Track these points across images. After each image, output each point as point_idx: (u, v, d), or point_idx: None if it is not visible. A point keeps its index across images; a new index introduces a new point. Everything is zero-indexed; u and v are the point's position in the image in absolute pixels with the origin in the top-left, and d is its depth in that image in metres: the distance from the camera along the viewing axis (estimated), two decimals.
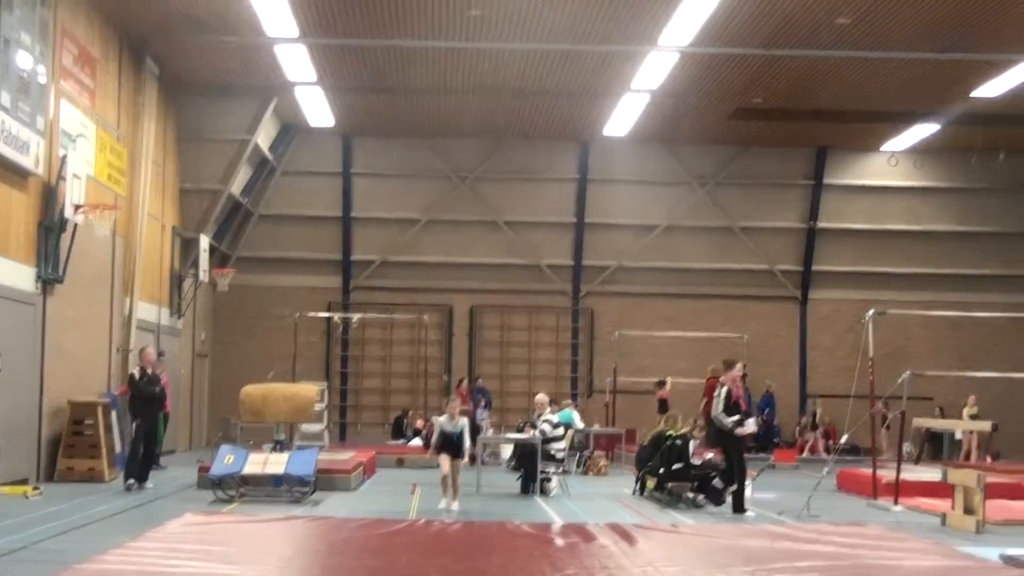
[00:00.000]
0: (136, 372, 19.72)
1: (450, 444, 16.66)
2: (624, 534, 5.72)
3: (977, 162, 30.57)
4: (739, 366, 17.48)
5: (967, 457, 27.53)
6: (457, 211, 33.48)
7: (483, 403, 28.44)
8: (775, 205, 34.12)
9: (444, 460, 16.53)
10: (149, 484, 18.95)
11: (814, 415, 32.25)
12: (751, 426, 16.84)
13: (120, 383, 23.16)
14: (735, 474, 16.56)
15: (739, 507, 16.32)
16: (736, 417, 16.54)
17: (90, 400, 20.98)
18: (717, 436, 17.04)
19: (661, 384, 29.29)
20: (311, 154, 33.01)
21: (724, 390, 16.74)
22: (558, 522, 6.19)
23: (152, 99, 25.36)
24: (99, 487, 18.75)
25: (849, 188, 34.24)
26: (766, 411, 31.51)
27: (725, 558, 5.34)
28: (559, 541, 5.59)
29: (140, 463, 19.12)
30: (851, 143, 33.18)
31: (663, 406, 26.98)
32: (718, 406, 16.62)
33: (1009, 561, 10.00)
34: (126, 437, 22.83)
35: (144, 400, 19.44)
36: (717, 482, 16.95)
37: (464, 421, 16.82)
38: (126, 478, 18.97)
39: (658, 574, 4.70)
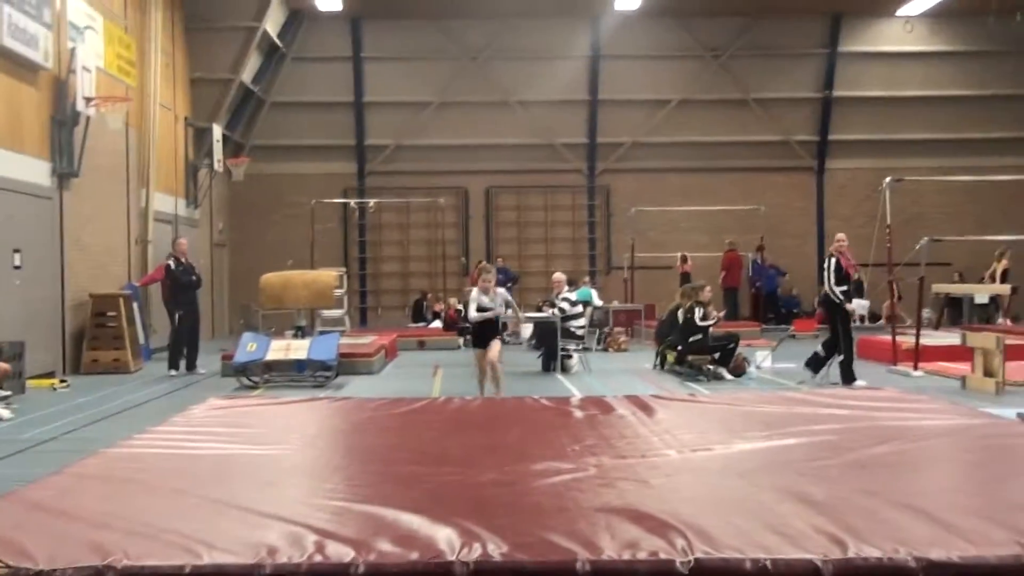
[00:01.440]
0: (171, 262, 19.97)
1: (486, 328, 13.97)
2: (642, 404, 5.81)
3: (994, 24, 30.12)
4: (842, 235, 17.05)
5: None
6: (469, 92, 33.25)
7: (507, 284, 28.55)
8: (790, 75, 33.79)
9: (480, 354, 14.04)
10: (202, 370, 19.33)
11: None
12: (860, 308, 16.57)
13: (140, 275, 23.33)
14: (842, 345, 16.47)
15: (848, 378, 16.15)
16: (844, 287, 16.42)
17: (112, 292, 21.14)
18: (825, 305, 16.94)
19: (684, 260, 29.39)
20: (321, 39, 32.74)
21: (833, 261, 16.51)
22: (577, 395, 6.28)
23: None
24: (125, 378, 18.98)
25: (864, 55, 33.86)
26: (757, 281, 31.51)
27: (742, 423, 5.42)
28: (578, 413, 5.69)
29: (188, 350, 19.54)
30: (865, 9, 32.74)
31: (686, 280, 27.04)
32: (829, 278, 16.44)
33: None
34: (148, 328, 23.11)
35: (183, 288, 19.76)
36: (820, 351, 16.79)
37: (503, 293, 14.02)
38: (170, 366, 19.34)
39: (675, 440, 4.79)
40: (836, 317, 16.58)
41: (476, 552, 2.99)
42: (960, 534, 3.06)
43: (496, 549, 3.02)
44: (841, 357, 16.42)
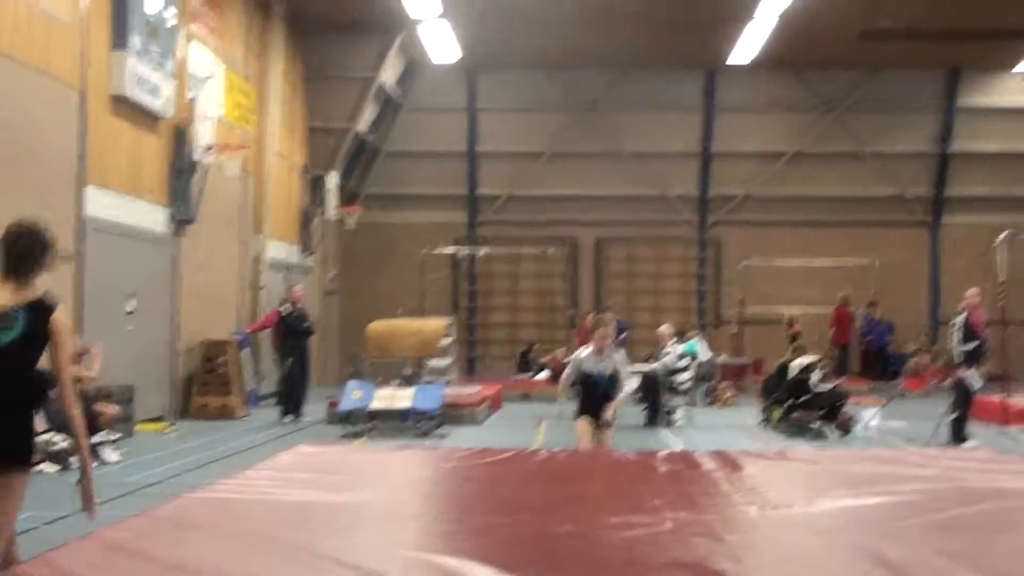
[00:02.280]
0: (284, 309, 20.32)
1: (595, 396, 10.94)
2: (729, 461, 5.77)
3: None
4: (975, 290, 16.50)
5: None
6: (582, 143, 33.36)
7: (619, 335, 28.22)
8: (905, 129, 33.40)
9: (584, 429, 10.96)
10: (306, 416, 19.62)
11: None
12: (975, 380, 16.09)
13: (250, 322, 23.68)
14: (955, 401, 16.18)
15: (958, 437, 15.84)
16: (971, 345, 15.99)
17: (222, 338, 21.50)
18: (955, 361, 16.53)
19: (791, 324, 29.02)
20: (436, 90, 33.11)
21: (962, 317, 16.14)
22: (665, 451, 6.26)
23: (279, 38, 25.75)
24: (232, 423, 19.28)
25: (982, 110, 33.35)
26: (868, 336, 30.98)
27: (827, 481, 5.37)
28: (663, 468, 5.66)
29: (295, 396, 19.85)
30: (984, 63, 32.25)
31: (795, 340, 26.70)
32: (957, 335, 16.09)
33: None
34: (258, 375, 23.46)
35: (294, 335, 20.10)
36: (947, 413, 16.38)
37: (620, 357, 11.20)
38: (283, 414, 19.66)
39: (758, 497, 4.75)
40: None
41: None
42: None
43: None
44: (954, 415, 16.10)
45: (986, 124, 33.34)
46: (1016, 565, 3.36)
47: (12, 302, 5.56)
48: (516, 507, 4.61)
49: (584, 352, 11.19)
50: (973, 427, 17.14)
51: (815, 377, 18.03)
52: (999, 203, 32.88)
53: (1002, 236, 18.42)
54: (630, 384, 11.37)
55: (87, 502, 5.29)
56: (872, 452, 6.75)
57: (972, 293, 16.45)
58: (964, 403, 16.10)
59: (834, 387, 18.60)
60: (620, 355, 11.31)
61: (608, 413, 10.83)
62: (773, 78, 32.63)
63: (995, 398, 19.35)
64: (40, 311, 5.60)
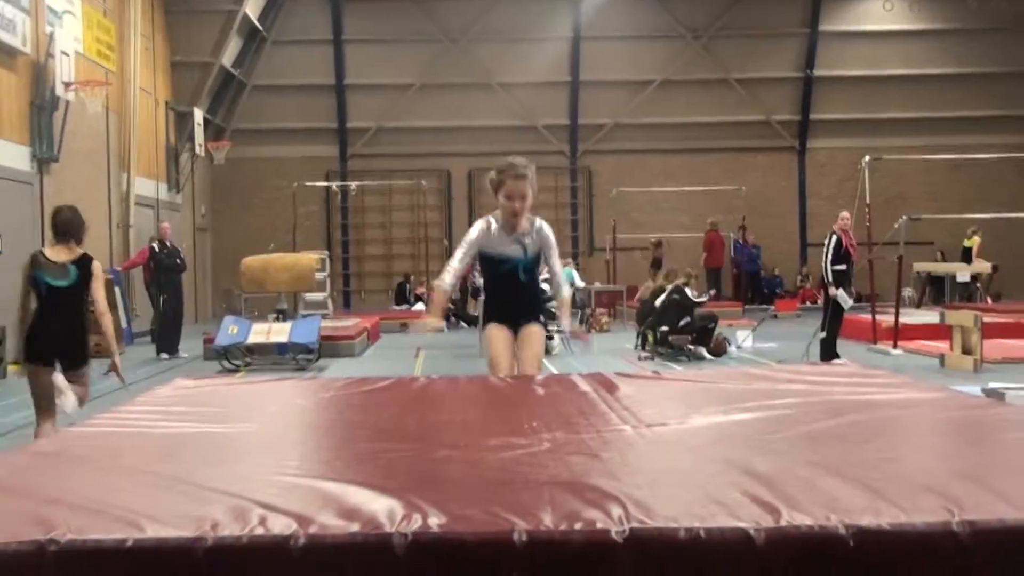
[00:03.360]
0: (155, 245, 20.06)
1: (510, 288, 7.24)
2: (605, 382, 5.86)
3: (973, 2, 30.19)
4: (846, 213, 16.96)
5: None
6: (451, 74, 33.29)
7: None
8: (771, 55, 33.89)
9: (500, 342, 7.24)
10: (183, 353, 19.41)
11: None
12: (845, 300, 16.44)
13: (121, 260, 23.35)
14: (824, 320, 16.54)
15: (828, 355, 16.24)
16: (843, 267, 16.42)
17: None
18: (823, 283, 16.88)
19: (659, 244, 29.43)
20: (301, 22, 32.76)
21: (834, 239, 16.52)
22: (542, 374, 6.34)
23: None
24: (106, 363, 18.96)
25: (845, 34, 33.98)
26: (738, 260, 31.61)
27: (701, 399, 5.48)
28: (541, 391, 5.73)
29: (170, 334, 19.63)
30: None
31: (657, 265, 27.10)
32: (827, 255, 16.42)
33: (990, 394, 10.20)
34: (130, 312, 23.14)
35: (167, 272, 19.84)
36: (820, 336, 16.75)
37: (547, 233, 7.30)
38: (159, 351, 19.42)
39: (632, 416, 4.85)
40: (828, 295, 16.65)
41: (416, 524, 3.03)
42: (894, 502, 3.11)
43: (436, 521, 3.06)
44: (823, 334, 16.52)
45: (848, 49, 33.96)
46: (874, 472, 3.49)
47: (67, 259, 8.52)
48: (395, 435, 4.65)
49: (480, 226, 7.23)
50: (846, 346, 17.60)
51: (690, 292, 18.29)
52: (862, 126, 33.59)
53: (865, 160, 18.82)
54: (566, 285, 7.62)
55: (119, 376, 9.14)
56: (743, 370, 6.89)
57: (844, 216, 16.89)
58: (835, 322, 16.53)
59: (707, 309, 18.95)
60: (546, 230, 7.42)
61: (564, 320, 7.67)
62: (640, 6, 32.86)
63: (865, 316, 19.86)
64: (84, 264, 8.58)
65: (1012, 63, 33.71)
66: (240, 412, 5.17)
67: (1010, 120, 33.77)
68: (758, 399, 5.19)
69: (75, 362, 8.79)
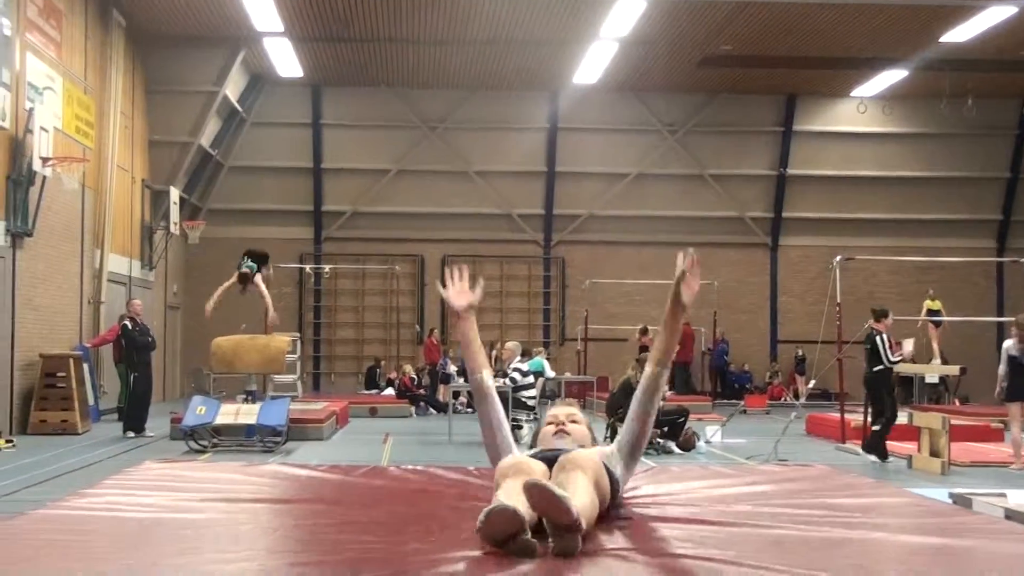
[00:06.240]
0: (127, 323, 20.01)
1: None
2: None
3: (945, 108, 30.63)
4: (890, 313, 17.71)
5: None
6: (428, 161, 33.49)
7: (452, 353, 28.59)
8: (745, 152, 34.24)
9: (521, 466, 4.81)
10: (150, 432, 19.28)
11: (802, 360, 32.19)
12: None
13: (91, 336, 23.27)
14: (888, 414, 16.81)
15: (873, 449, 16.67)
16: (899, 357, 17.19)
17: (62, 353, 21.06)
18: (873, 381, 17.09)
19: (644, 332, 29.44)
20: (280, 105, 32.93)
21: (884, 337, 16.92)
22: None
23: (119, 51, 25.33)
24: (73, 439, 18.85)
25: (818, 135, 34.38)
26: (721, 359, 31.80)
27: (666, 495, 5.52)
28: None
29: (137, 412, 19.50)
30: (820, 90, 33.29)
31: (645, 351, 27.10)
32: (887, 353, 16.78)
33: (958, 500, 10.23)
34: (98, 389, 23.02)
35: (138, 349, 19.77)
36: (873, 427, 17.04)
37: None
38: (125, 429, 19.29)
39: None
40: (883, 391, 16.92)
41: None
42: None
43: None
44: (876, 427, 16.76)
45: (822, 148, 34.36)
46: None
47: None
48: (366, 525, 4.65)
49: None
50: (814, 444, 17.65)
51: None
52: (833, 225, 33.89)
53: (837, 259, 19.02)
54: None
55: None
56: (711, 467, 6.93)
57: (889, 317, 17.44)
58: (884, 418, 16.76)
59: (676, 403, 18.95)
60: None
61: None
62: (616, 100, 33.13)
63: (834, 415, 19.91)
64: None
65: (982, 168, 34.20)
66: (208, 497, 5.16)
67: (978, 224, 34.22)
68: (725, 503, 5.21)
69: None
